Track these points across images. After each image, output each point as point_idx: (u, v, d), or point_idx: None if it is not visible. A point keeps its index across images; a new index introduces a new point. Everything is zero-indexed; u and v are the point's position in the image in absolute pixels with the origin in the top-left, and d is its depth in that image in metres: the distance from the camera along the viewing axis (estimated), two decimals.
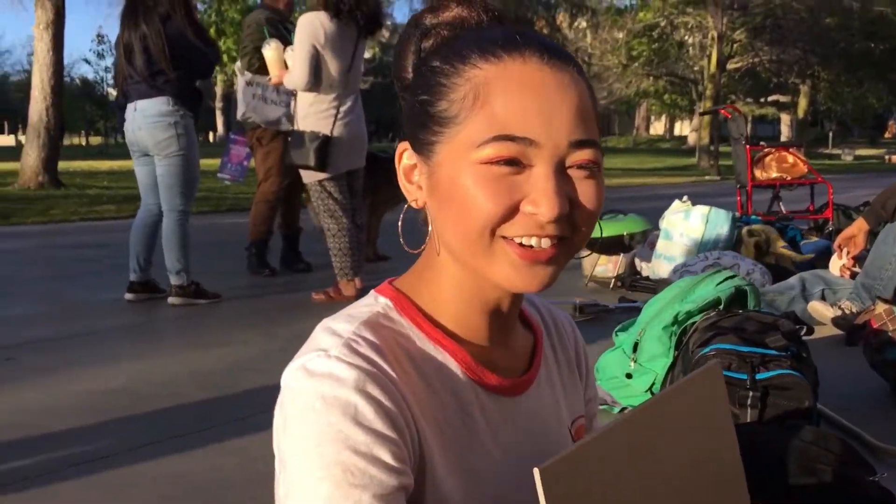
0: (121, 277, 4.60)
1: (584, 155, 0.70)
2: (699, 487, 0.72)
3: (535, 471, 0.54)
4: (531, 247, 0.69)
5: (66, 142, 17.58)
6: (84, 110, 47.91)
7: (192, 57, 4.30)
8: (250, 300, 4.68)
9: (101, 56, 45.94)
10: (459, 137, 0.70)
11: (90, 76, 51.43)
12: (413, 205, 0.77)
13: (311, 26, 4.15)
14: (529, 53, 0.70)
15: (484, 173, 0.68)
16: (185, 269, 4.39)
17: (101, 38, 46.20)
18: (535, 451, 0.79)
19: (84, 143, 52.92)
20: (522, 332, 0.86)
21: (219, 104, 38.27)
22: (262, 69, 5.08)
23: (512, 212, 0.69)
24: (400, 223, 0.81)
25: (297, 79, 4.17)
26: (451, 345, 0.76)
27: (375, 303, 0.78)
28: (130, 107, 4.37)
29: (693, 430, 0.72)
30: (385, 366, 0.69)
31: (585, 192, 0.71)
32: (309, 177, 4.33)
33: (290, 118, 5.11)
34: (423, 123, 0.73)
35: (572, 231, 0.71)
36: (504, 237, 0.70)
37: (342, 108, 4.27)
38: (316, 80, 4.18)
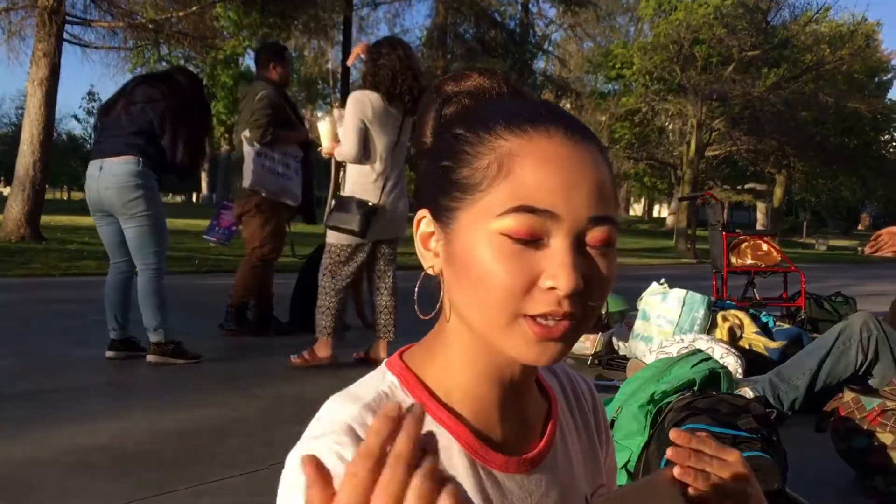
0: (102, 334, 4.62)
1: (602, 232, 0.70)
2: None
3: None
4: (547, 323, 0.69)
5: (48, 195, 17.50)
6: (69, 165, 48.04)
7: (173, 152, 4.38)
8: (229, 362, 4.71)
9: (90, 113, 46.34)
10: (480, 205, 0.69)
11: (77, 131, 51.68)
12: (429, 272, 0.77)
13: (360, 103, 4.37)
14: (555, 129, 0.70)
15: (502, 245, 0.68)
16: (162, 326, 4.39)
17: (91, 96, 46.71)
18: None
19: (66, 198, 52.81)
20: (538, 400, 0.84)
21: (204, 166, 38.52)
22: (275, 142, 5.25)
23: (529, 287, 0.68)
24: (416, 290, 0.81)
25: (346, 151, 4.37)
26: (454, 425, 0.75)
27: (382, 381, 0.77)
28: (95, 164, 4.34)
29: None
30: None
31: (600, 270, 0.70)
32: (337, 238, 4.46)
33: (296, 193, 5.44)
34: (444, 190, 0.73)
35: (583, 309, 0.70)
36: (524, 315, 0.69)
37: (388, 182, 4.46)
38: (364, 153, 4.38)
